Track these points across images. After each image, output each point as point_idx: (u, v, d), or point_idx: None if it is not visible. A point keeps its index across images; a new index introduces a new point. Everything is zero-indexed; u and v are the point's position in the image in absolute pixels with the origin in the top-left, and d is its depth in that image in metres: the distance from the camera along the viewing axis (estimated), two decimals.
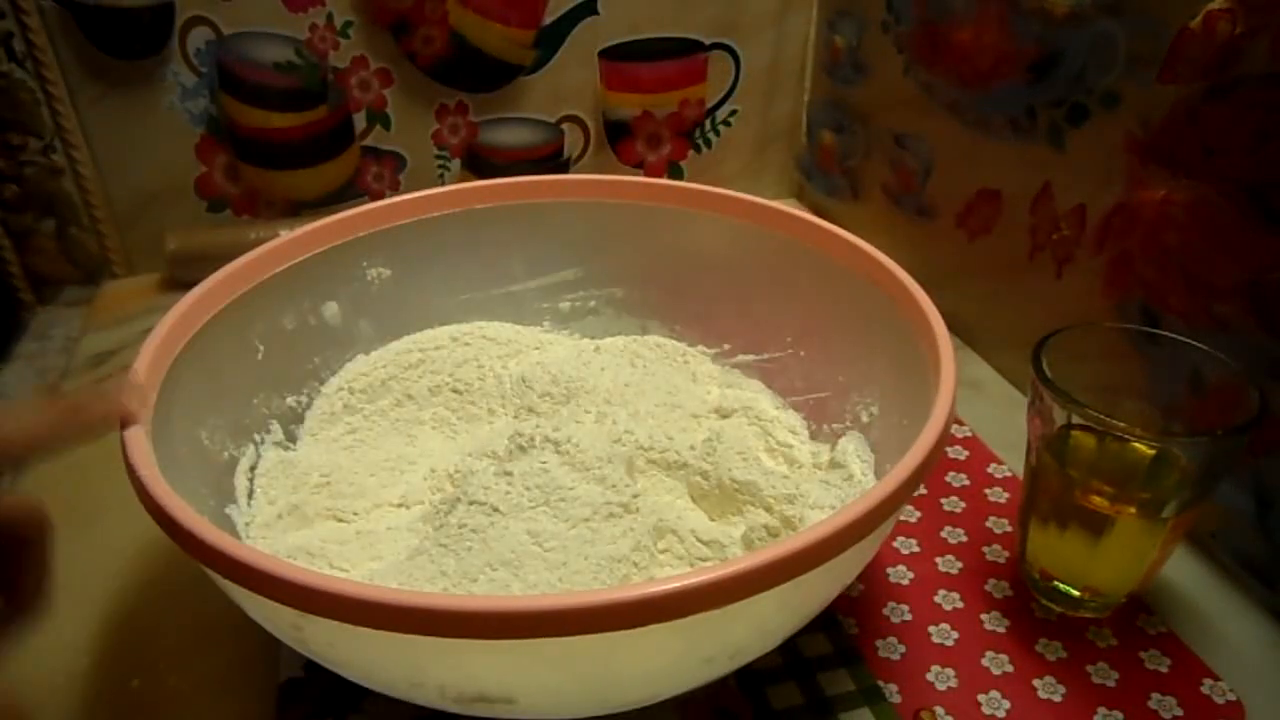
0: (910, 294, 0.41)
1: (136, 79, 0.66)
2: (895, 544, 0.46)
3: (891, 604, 0.43)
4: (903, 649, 0.41)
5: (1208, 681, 0.39)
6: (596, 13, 0.74)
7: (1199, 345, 0.39)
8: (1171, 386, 0.40)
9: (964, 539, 0.47)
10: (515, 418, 0.49)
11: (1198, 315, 0.44)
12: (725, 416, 0.49)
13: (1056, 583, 0.42)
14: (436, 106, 0.74)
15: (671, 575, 0.28)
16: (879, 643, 0.41)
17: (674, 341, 0.54)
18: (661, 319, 0.55)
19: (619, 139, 0.80)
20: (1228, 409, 0.37)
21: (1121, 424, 0.36)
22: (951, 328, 0.39)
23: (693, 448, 0.45)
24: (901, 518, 0.47)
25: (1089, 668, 0.40)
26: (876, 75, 0.71)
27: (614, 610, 0.26)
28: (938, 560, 0.45)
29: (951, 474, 0.51)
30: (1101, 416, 0.36)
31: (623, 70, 0.77)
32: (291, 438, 0.47)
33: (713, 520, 0.43)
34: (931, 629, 0.42)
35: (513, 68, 0.74)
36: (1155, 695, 0.39)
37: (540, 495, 0.39)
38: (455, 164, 0.77)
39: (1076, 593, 0.42)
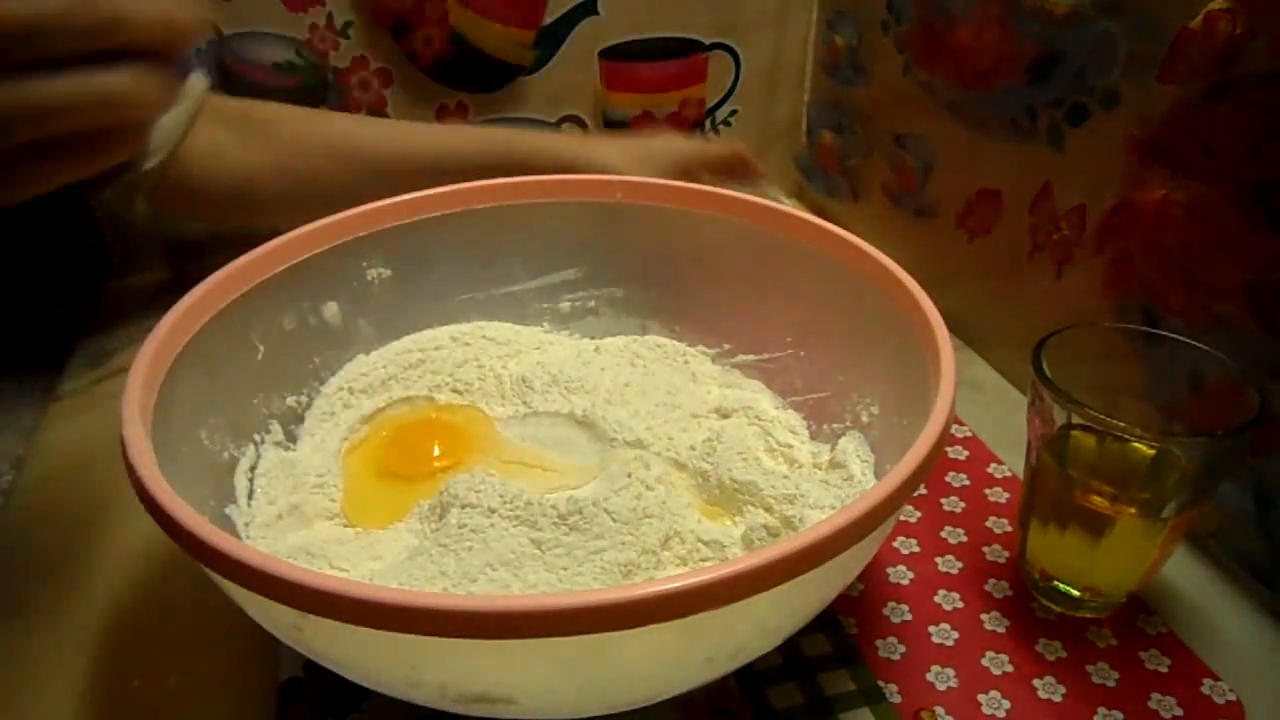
0: (910, 294, 0.41)
1: None
2: (895, 544, 0.46)
3: (891, 604, 0.43)
4: (903, 649, 0.41)
5: (1208, 681, 0.39)
6: (596, 13, 0.74)
7: (1199, 345, 0.39)
8: (1171, 386, 0.40)
9: (964, 539, 0.47)
10: None
11: (1198, 315, 0.44)
12: (725, 416, 0.49)
13: (1056, 583, 0.42)
14: (436, 106, 0.74)
15: (671, 575, 0.28)
16: (879, 643, 0.41)
17: (674, 341, 0.54)
18: (661, 319, 0.55)
19: None
20: (1228, 409, 0.37)
21: (1121, 424, 0.36)
22: (951, 328, 0.39)
23: (693, 448, 0.45)
24: (901, 518, 0.47)
25: (1089, 668, 0.40)
26: (876, 75, 0.71)
27: (614, 610, 0.26)
28: (938, 560, 0.45)
29: (951, 474, 0.51)
30: (1101, 416, 0.36)
31: (623, 70, 0.77)
32: (291, 438, 0.47)
33: (713, 520, 0.43)
34: (931, 629, 0.42)
35: (513, 68, 0.74)
36: (1155, 695, 0.39)
37: None
38: None
39: (1076, 593, 0.42)
